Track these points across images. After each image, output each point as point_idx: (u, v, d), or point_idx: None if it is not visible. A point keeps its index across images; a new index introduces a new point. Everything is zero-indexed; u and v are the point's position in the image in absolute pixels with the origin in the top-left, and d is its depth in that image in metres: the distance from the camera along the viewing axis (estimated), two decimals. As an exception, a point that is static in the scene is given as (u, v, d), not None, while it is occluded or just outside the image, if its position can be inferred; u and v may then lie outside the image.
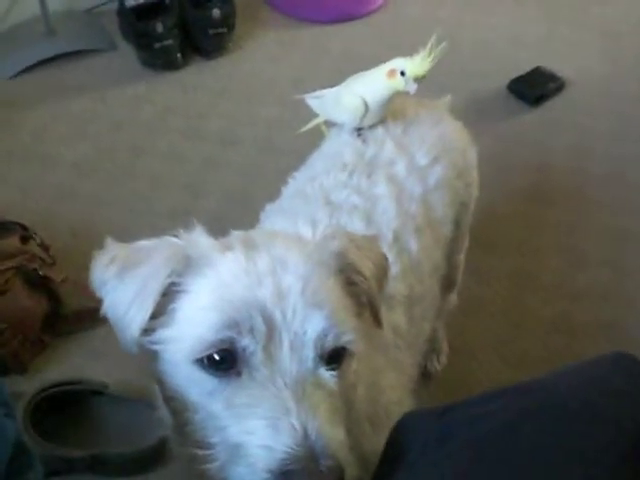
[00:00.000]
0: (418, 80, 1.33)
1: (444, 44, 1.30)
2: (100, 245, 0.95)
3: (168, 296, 0.87)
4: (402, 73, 1.33)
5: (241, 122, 2.43)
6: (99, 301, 0.91)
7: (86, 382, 1.66)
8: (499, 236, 2.10)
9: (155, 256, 0.89)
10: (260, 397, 0.80)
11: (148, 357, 0.90)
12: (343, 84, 1.44)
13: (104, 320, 0.91)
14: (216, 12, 2.57)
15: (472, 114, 2.40)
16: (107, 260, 0.91)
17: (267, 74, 2.64)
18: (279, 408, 0.79)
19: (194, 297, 0.87)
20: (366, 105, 1.37)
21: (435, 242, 1.33)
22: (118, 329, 0.89)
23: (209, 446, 0.84)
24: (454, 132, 1.45)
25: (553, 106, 2.54)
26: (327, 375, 0.84)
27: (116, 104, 2.51)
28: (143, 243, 0.93)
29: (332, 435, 0.79)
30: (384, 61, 1.38)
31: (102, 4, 2.86)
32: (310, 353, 0.83)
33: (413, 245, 1.26)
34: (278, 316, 0.83)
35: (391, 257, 1.16)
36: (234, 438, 0.80)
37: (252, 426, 0.79)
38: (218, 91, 2.56)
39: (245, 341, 0.81)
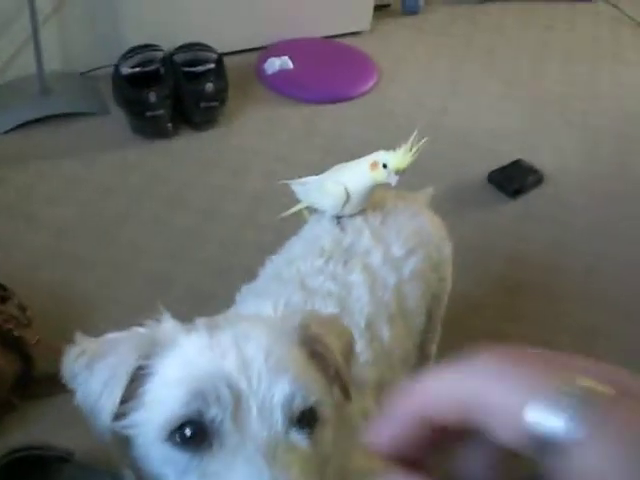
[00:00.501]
0: (399, 173, 1.40)
1: (425, 139, 1.37)
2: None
3: (137, 381, 0.91)
4: (384, 165, 1.40)
5: (225, 195, 2.49)
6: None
7: (52, 448, 1.67)
8: (472, 326, 2.15)
9: (122, 345, 0.94)
10: (232, 463, 0.82)
11: (121, 445, 0.93)
12: (327, 172, 1.51)
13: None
14: (209, 86, 2.66)
15: (451, 203, 2.49)
16: (77, 353, 0.95)
17: (255, 150, 2.71)
18: (251, 472, 0.80)
19: (161, 377, 0.90)
20: (348, 194, 1.43)
21: (407, 332, 1.38)
22: (91, 419, 0.92)
23: None
24: (431, 226, 1.52)
25: (531, 199, 2.62)
26: (299, 437, 0.85)
27: (104, 168, 2.57)
28: (111, 335, 0.97)
29: None
30: (370, 143, 1.45)
31: (98, 68, 2.94)
32: (279, 417, 0.85)
33: (385, 333, 1.30)
34: (243, 384, 0.85)
35: (363, 344, 1.21)
36: None
37: None
38: (205, 163, 2.63)
39: (213, 411, 0.84)
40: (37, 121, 2.70)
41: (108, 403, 0.90)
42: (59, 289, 2.09)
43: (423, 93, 3.16)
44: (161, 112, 2.63)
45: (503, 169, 2.68)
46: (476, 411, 0.51)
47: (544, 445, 0.48)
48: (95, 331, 0.98)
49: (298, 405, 0.86)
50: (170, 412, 0.86)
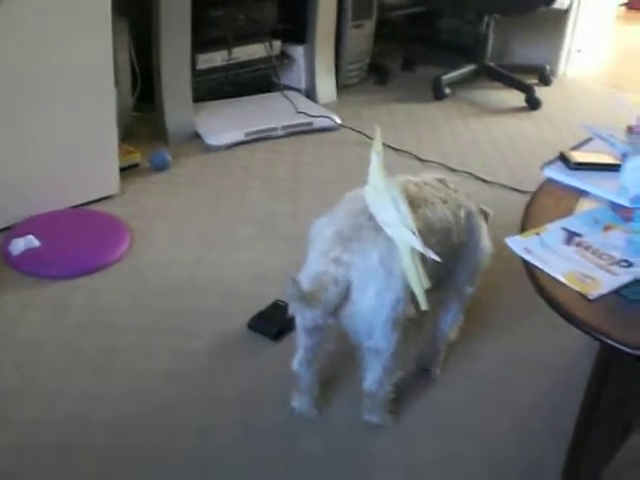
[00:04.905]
0: None
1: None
2: None
3: None
4: None
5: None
6: None
7: None
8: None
9: None
10: None
11: None
12: None
13: None
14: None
15: (215, 356, 2.63)
16: None
17: (2, 340, 2.71)
18: None
19: None
20: None
21: None
22: None
23: None
24: None
25: (293, 339, 2.79)
26: None
27: None
28: None
29: None
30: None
31: None
32: None
33: None
34: None
35: None
36: None
37: None
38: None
39: None
40: None
41: None
42: None
43: (177, 249, 3.31)
44: None
45: (262, 313, 2.84)
46: None
47: None
48: None
49: None
50: None
